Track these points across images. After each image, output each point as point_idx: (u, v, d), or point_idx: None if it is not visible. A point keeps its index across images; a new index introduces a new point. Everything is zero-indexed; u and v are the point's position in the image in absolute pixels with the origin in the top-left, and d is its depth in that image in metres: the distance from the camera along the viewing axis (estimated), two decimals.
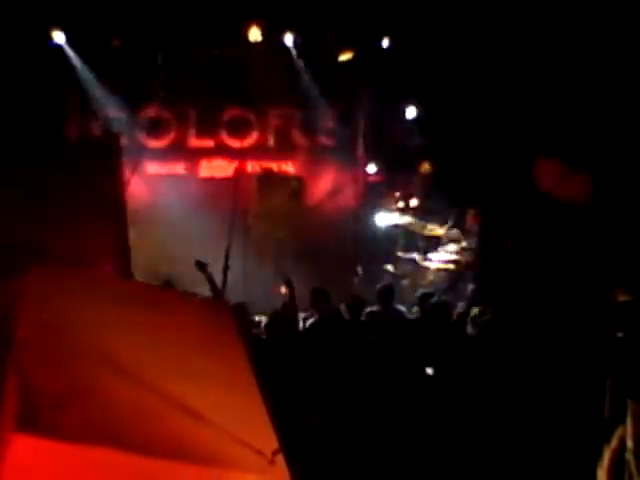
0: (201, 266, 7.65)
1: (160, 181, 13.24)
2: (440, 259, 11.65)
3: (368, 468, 5.99)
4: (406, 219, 11.99)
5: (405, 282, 11.54)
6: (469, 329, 7.35)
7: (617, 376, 4.94)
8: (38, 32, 12.31)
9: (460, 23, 12.07)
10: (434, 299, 8.37)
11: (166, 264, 11.33)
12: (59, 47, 12.55)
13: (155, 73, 12.83)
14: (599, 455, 4.92)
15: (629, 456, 4.62)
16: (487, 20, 11.77)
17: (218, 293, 7.47)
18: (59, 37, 12.49)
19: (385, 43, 12.81)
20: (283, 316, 7.81)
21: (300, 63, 13.01)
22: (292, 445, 3.58)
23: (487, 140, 12.05)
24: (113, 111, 12.97)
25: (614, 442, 4.81)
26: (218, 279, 8.21)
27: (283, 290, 8.83)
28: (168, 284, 8.64)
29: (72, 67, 12.61)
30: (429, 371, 6.75)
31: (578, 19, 10.25)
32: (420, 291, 9.57)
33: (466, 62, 12.22)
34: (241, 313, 7.33)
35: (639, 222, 6.89)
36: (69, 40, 12.47)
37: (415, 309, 9.13)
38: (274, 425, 3.59)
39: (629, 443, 4.62)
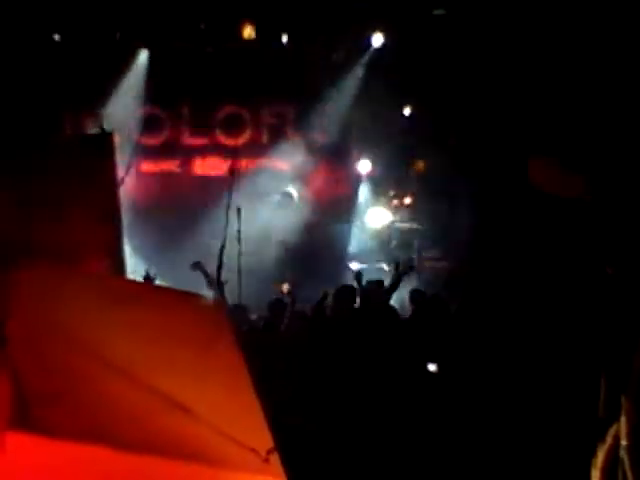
0: (195, 266, 7.69)
1: (154, 179, 13.20)
2: (434, 257, 11.66)
3: (364, 470, 5.97)
4: (400, 217, 12.00)
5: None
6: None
7: (611, 373, 4.92)
8: (37, 31, 12.22)
9: (455, 21, 12.07)
10: (427, 295, 8.33)
11: (159, 263, 11.29)
12: (55, 44, 12.44)
13: (151, 71, 12.78)
14: (593, 454, 4.91)
15: (623, 454, 4.60)
16: (483, 19, 11.77)
17: (217, 287, 7.50)
18: (57, 36, 12.31)
19: (378, 41, 12.79)
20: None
21: (293, 61, 13.01)
22: (287, 446, 3.56)
23: (481, 139, 12.06)
24: (108, 108, 12.92)
25: (608, 440, 4.79)
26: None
27: (284, 289, 8.81)
28: (147, 278, 8.61)
29: (68, 64, 12.54)
30: (432, 367, 6.71)
31: (573, 18, 10.26)
32: (411, 288, 9.53)
33: (461, 61, 12.23)
34: (241, 314, 7.34)
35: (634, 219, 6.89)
36: (66, 37, 12.34)
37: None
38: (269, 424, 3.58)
39: (623, 441, 4.60)
